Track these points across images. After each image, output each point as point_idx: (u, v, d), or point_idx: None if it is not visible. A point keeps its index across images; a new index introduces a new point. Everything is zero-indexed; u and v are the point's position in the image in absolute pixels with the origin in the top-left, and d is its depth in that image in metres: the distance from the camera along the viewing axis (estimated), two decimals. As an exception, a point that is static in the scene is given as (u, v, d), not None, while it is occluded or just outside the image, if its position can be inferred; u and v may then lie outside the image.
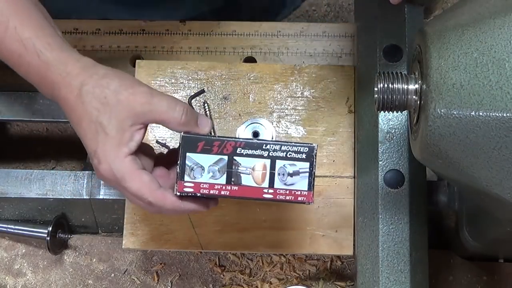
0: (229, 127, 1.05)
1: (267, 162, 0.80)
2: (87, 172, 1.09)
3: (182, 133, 0.80)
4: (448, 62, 0.69)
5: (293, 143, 0.80)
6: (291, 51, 1.13)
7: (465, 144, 0.69)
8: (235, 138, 0.81)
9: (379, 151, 0.97)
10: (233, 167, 0.80)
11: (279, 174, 0.80)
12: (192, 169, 0.79)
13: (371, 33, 1.02)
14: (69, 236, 1.15)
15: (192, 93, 1.06)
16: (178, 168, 0.80)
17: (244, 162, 0.80)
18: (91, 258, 1.16)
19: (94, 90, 0.77)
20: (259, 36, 1.13)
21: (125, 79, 0.79)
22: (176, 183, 0.80)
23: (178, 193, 0.80)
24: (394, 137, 0.97)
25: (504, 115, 0.67)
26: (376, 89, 0.78)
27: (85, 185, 1.08)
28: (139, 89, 0.78)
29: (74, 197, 1.09)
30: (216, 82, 1.07)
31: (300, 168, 0.80)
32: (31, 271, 1.16)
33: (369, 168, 0.98)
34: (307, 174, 0.80)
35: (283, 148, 0.80)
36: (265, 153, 0.80)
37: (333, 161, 1.03)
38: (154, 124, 0.87)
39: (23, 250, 1.16)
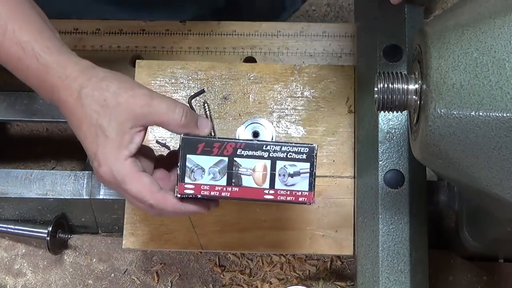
0: (229, 127, 1.05)
1: (268, 163, 0.80)
2: (87, 172, 1.09)
3: (182, 135, 0.80)
4: (448, 62, 0.69)
5: (293, 144, 0.80)
6: (291, 51, 1.13)
7: (465, 144, 0.69)
8: (235, 139, 0.80)
9: (379, 151, 0.97)
10: (234, 168, 0.79)
11: (279, 174, 0.80)
12: (192, 171, 0.79)
13: (371, 33, 1.02)
14: (69, 236, 1.15)
15: (192, 93, 1.06)
16: (178, 170, 0.79)
17: (244, 163, 0.80)
18: (91, 258, 1.16)
19: (93, 93, 0.77)
20: (259, 36, 1.13)
21: (125, 82, 0.79)
22: (177, 185, 0.79)
23: (179, 195, 0.79)
24: (394, 137, 0.97)
25: (504, 115, 0.67)
26: (376, 89, 0.78)
27: (85, 185, 1.08)
28: (138, 91, 0.78)
29: (74, 197, 1.09)
30: (216, 82, 1.07)
31: (300, 169, 0.80)
32: (31, 271, 1.16)
33: (369, 168, 0.98)
34: (308, 174, 0.80)
35: (284, 148, 0.80)
36: (266, 154, 0.80)
37: (333, 161, 1.03)
38: (154, 125, 0.87)
39: (23, 250, 1.16)
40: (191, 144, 0.80)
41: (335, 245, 1.01)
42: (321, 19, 1.80)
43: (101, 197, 1.08)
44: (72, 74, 0.78)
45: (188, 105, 1.05)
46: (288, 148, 0.80)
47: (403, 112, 0.82)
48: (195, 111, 1.04)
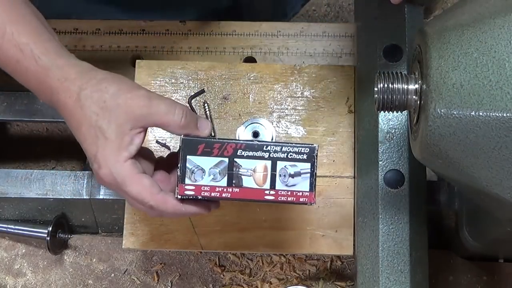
0: (229, 127, 1.05)
1: (268, 163, 0.80)
2: (87, 172, 1.09)
3: (182, 136, 0.80)
4: (448, 62, 0.69)
5: (294, 144, 0.80)
6: (291, 51, 1.13)
7: (465, 144, 0.69)
8: (236, 140, 0.80)
9: (379, 151, 0.97)
10: (234, 169, 0.79)
11: (280, 175, 0.80)
12: (192, 172, 0.79)
13: (371, 33, 1.02)
14: (69, 236, 1.15)
15: (192, 93, 1.06)
16: (178, 171, 0.79)
17: (245, 164, 0.79)
18: (91, 258, 1.16)
19: (92, 95, 0.77)
20: (259, 36, 1.13)
21: (124, 83, 0.78)
22: (177, 186, 0.79)
23: (179, 196, 0.79)
24: (394, 137, 0.97)
25: (504, 115, 0.67)
26: (376, 89, 0.78)
27: (85, 185, 1.08)
28: (137, 93, 0.78)
29: (74, 197, 1.09)
30: (216, 82, 1.07)
31: (301, 169, 0.80)
32: (31, 271, 1.16)
33: (369, 168, 0.98)
34: (309, 174, 0.80)
35: (284, 149, 0.80)
36: (266, 155, 0.80)
37: (333, 161, 1.04)
38: (154, 125, 0.87)
39: (23, 250, 1.16)
40: (191, 145, 0.79)
41: (335, 245, 1.01)
42: (321, 19, 1.80)
43: (101, 197, 1.08)
44: (71, 76, 0.78)
45: (188, 105, 1.05)
46: (288, 149, 0.80)
47: (403, 112, 0.82)
48: (195, 111, 1.05)
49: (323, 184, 1.02)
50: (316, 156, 0.80)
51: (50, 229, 1.12)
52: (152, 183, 0.78)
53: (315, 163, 0.80)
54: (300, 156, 0.80)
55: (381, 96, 0.77)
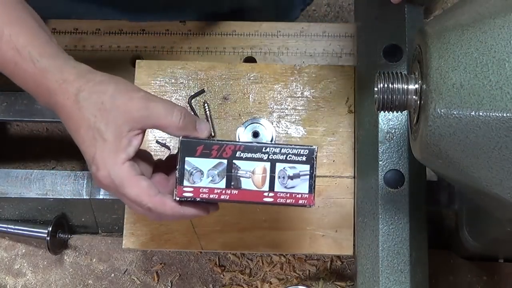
0: (229, 127, 1.05)
1: (267, 165, 0.79)
2: (87, 172, 1.09)
3: (180, 138, 0.79)
4: (448, 62, 0.69)
5: (293, 146, 0.79)
6: (291, 51, 1.13)
7: (465, 144, 0.69)
8: (235, 141, 0.80)
9: (379, 151, 0.97)
10: (233, 171, 0.79)
11: (279, 177, 0.79)
12: (191, 174, 0.78)
13: (371, 33, 1.02)
14: (69, 236, 1.15)
15: (192, 93, 1.06)
16: (177, 173, 0.78)
17: (243, 166, 0.79)
18: (91, 258, 1.16)
19: (91, 96, 0.76)
20: (259, 36, 1.13)
21: (122, 85, 0.78)
22: (175, 188, 0.79)
23: (178, 198, 0.78)
24: (394, 137, 0.97)
25: (504, 115, 0.67)
26: (376, 89, 0.78)
27: (85, 185, 1.08)
28: (136, 94, 0.77)
29: (74, 197, 1.09)
30: (216, 82, 1.07)
31: (300, 171, 0.79)
32: (31, 271, 1.16)
33: (369, 168, 0.98)
34: (308, 176, 0.79)
35: (283, 150, 0.79)
36: (265, 156, 0.79)
37: (333, 161, 1.04)
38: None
39: (23, 250, 1.16)
40: (190, 146, 0.79)
41: (335, 245, 1.01)
42: (321, 19, 1.80)
43: (101, 197, 1.08)
44: (69, 77, 0.77)
45: (188, 105, 1.05)
46: (287, 150, 0.79)
47: (403, 112, 0.82)
48: (195, 111, 1.05)
49: (323, 184, 1.02)
50: (316, 158, 0.79)
51: (50, 229, 1.12)
52: (150, 185, 0.78)
53: (315, 165, 0.79)
54: (299, 158, 0.79)
55: (381, 96, 0.77)
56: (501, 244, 1.05)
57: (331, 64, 1.10)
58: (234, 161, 0.79)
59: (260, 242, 1.02)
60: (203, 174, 0.79)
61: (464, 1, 0.74)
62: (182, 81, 1.07)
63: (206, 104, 1.05)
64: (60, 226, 1.14)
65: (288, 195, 0.79)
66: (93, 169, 0.77)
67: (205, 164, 0.79)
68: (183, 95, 1.06)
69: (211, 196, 0.79)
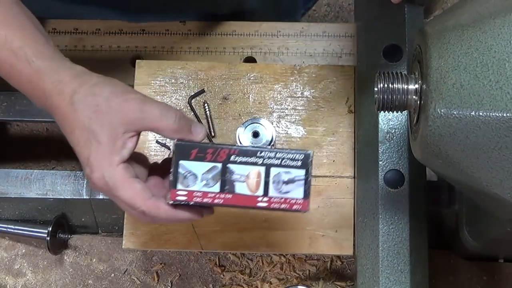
0: (229, 127, 1.05)
1: (262, 169, 0.78)
2: (87, 172, 1.09)
3: (175, 141, 0.78)
4: (448, 62, 0.69)
5: (288, 150, 0.78)
6: (291, 51, 1.12)
7: (465, 144, 0.69)
8: (230, 145, 0.79)
9: (379, 151, 0.97)
10: (227, 175, 0.78)
11: (273, 182, 0.78)
12: (185, 177, 0.77)
13: (371, 33, 1.02)
14: (69, 236, 1.15)
15: (192, 93, 1.06)
16: (170, 176, 0.78)
17: (238, 170, 0.78)
18: (91, 258, 1.16)
19: (86, 98, 0.76)
20: (259, 36, 1.13)
21: (117, 87, 0.78)
22: (169, 191, 0.78)
23: (171, 202, 0.78)
24: (394, 137, 0.97)
25: (504, 115, 0.67)
26: (376, 89, 0.78)
27: (85, 185, 1.08)
28: (131, 96, 0.77)
29: (74, 197, 1.09)
30: (216, 82, 1.07)
31: (295, 176, 0.78)
32: (31, 271, 1.16)
33: (369, 168, 0.98)
34: (303, 182, 0.78)
35: (278, 155, 0.78)
36: (260, 161, 0.78)
37: (333, 161, 1.04)
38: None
39: (23, 250, 1.16)
40: (184, 149, 0.78)
41: (335, 245, 1.01)
42: (321, 19, 1.80)
43: (101, 197, 1.08)
44: (65, 79, 0.77)
45: (188, 105, 1.05)
46: (283, 155, 0.78)
47: (403, 112, 0.82)
48: (195, 111, 1.05)
49: (323, 184, 1.02)
50: (311, 163, 0.78)
51: (50, 229, 1.12)
52: (144, 188, 0.77)
53: (310, 170, 0.78)
54: (294, 163, 0.78)
55: (381, 96, 0.77)
56: (501, 244, 1.05)
57: (331, 64, 1.10)
58: (228, 165, 0.78)
59: (260, 242, 1.02)
60: (197, 177, 0.78)
61: (464, 1, 0.74)
62: (182, 81, 1.07)
63: (206, 104, 1.05)
64: (60, 226, 1.14)
65: (282, 200, 0.78)
66: (87, 171, 0.77)
67: (199, 167, 0.78)
68: (183, 95, 1.06)
69: (205, 200, 0.78)
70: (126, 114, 0.76)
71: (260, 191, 0.78)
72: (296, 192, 0.78)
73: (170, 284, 1.14)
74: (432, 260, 0.98)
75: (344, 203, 1.02)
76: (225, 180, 0.78)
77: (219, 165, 0.78)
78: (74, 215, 1.15)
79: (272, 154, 0.78)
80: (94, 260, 1.16)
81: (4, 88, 1.11)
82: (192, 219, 0.80)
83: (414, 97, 0.76)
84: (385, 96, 0.77)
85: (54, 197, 1.08)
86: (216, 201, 0.78)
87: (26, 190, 1.09)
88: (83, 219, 1.16)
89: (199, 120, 1.05)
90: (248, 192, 0.78)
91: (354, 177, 1.02)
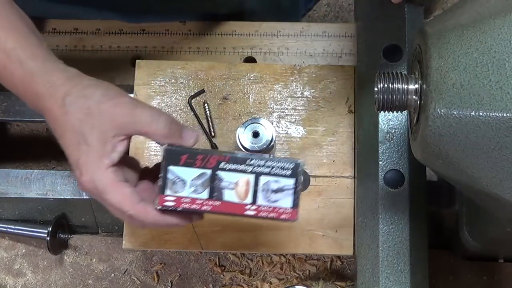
0: (229, 127, 1.05)
1: (251, 177, 0.77)
2: (87, 172, 1.09)
3: (165, 146, 0.78)
4: (448, 62, 0.69)
5: (279, 159, 0.78)
6: (291, 51, 1.13)
7: (465, 144, 0.69)
8: (220, 151, 0.78)
9: (379, 151, 0.97)
10: (216, 182, 0.77)
11: (262, 190, 0.77)
12: (174, 183, 0.77)
13: (371, 33, 1.02)
14: (69, 236, 1.15)
15: (192, 93, 1.06)
16: (159, 181, 0.77)
17: (227, 177, 0.77)
18: (91, 258, 1.16)
19: (77, 100, 0.75)
20: (259, 36, 1.13)
21: (109, 90, 0.77)
22: (157, 196, 0.77)
23: (159, 207, 0.77)
24: (394, 137, 0.97)
25: (504, 115, 0.67)
26: (376, 89, 0.78)
27: (85, 185, 1.08)
28: (122, 100, 0.76)
29: (74, 197, 1.09)
30: (216, 82, 1.07)
31: (284, 185, 0.77)
32: (31, 271, 1.16)
33: (369, 168, 0.98)
34: (292, 191, 0.77)
35: (268, 163, 0.78)
36: (249, 168, 0.78)
37: (333, 161, 1.04)
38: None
39: (23, 250, 1.16)
40: (174, 155, 0.77)
41: (335, 245, 1.01)
42: (321, 19, 1.80)
43: (101, 197, 1.08)
44: (57, 81, 0.76)
45: (188, 105, 1.05)
46: (273, 163, 0.78)
47: (403, 112, 0.82)
48: (195, 111, 1.05)
49: (323, 184, 1.02)
50: (301, 172, 0.78)
51: (50, 229, 1.12)
52: (133, 192, 0.77)
53: (300, 180, 0.78)
54: (284, 172, 0.78)
55: (381, 96, 0.77)
56: (501, 244, 1.05)
57: (331, 64, 1.10)
58: (218, 172, 0.77)
59: (260, 242, 1.02)
60: (186, 183, 0.77)
61: (464, 1, 0.74)
62: (182, 81, 1.07)
63: (206, 104, 1.05)
64: (60, 226, 1.14)
65: (270, 209, 0.78)
66: (77, 173, 0.76)
67: (188, 173, 0.77)
68: (183, 95, 1.06)
69: (193, 206, 0.77)
70: (117, 117, 0.75)
71: (249, 199, 0.77)
72: (285, 201, 0.78)
73: (170, 284, 1.14)
74: (432, 260, 0.98)
75: (344, 203, 1.02)
76: (214, 187, 0.77)
77: (209, 171, 0.77)
78: (74, 215, 1.15)
79: (262, 162, 0.78)
80: (94, 260, 1.16)
81: (4, 88, 1.11)
82: (181, 224, 0.80)
83: (414, 97, 0.76)
84: (385, 96, 0.77)
85: (54, 197, 1.08)
86: (204, 207, 0.77)
87: (26, 190, 1.09)
88: (83, 219, 1.16)
89: (199, 120, 1.05)
90: (236, 200, 0.77)
91: (354, 177, 1.02)
